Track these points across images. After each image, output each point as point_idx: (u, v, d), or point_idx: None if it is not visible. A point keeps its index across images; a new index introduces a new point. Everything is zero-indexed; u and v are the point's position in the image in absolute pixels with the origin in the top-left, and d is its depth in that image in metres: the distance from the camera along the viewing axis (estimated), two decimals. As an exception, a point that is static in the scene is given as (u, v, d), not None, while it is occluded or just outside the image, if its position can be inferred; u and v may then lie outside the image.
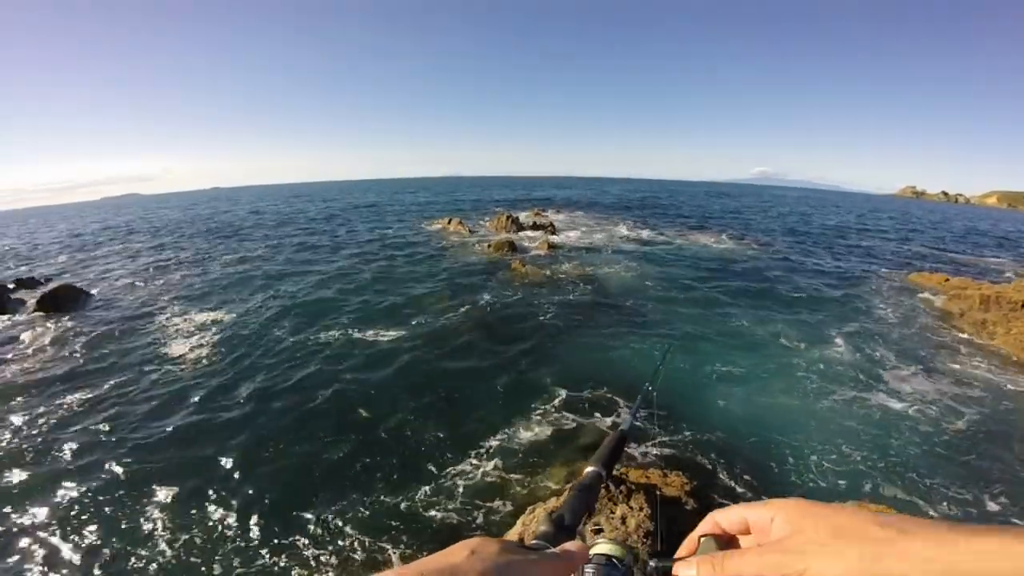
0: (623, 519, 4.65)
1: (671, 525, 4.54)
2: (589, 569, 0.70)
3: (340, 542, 5.70)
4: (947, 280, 17.75)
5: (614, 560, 0.70)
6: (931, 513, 6.09)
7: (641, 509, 4.71)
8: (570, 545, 0.68)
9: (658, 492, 5.15)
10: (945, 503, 6.43)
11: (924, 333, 12.85)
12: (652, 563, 0.67)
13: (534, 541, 0.70)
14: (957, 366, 10.76)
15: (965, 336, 12.68)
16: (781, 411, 8.62)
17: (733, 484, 6.63)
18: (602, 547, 0.72)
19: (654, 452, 7.27)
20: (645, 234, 30.30)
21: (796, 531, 0.55)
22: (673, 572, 0.62)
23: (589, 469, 0.91)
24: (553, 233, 28.68)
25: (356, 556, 5.48)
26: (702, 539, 0.66)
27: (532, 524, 4.79)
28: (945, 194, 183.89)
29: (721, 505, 5.65)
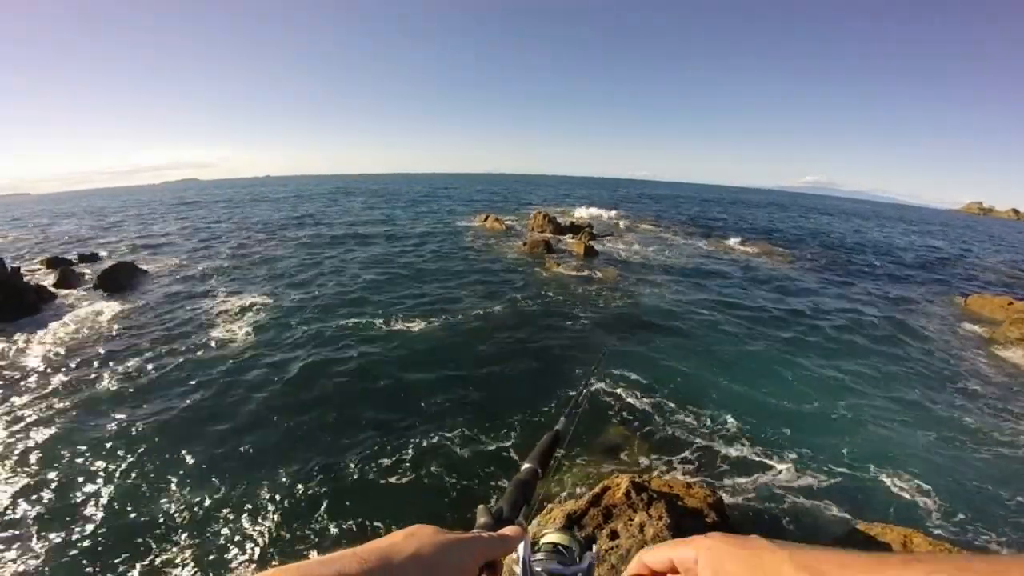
0: (641, 527, 4.59)
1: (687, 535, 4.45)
2: (539, 556, 0.76)
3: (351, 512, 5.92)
4: (1011, 303, 16.59)
5: (560, 548, 0.76)
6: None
7: (660, 518, 4.64)
8: (506, 530, 0.72)
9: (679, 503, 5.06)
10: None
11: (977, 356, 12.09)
12: None
13: (473, 531, 0.72)
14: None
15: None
16: (829, 437, 8.28)
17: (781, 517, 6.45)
18: (551, 536, 0.79)
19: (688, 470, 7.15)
20: (688, 241, 29.63)
21: (716, 573, 0.54)
22: None
23: (526, 466, 0.95)
24: (591, 237, 28.32)
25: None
26: None
27: (548, 524, 4.80)
28: (1016, 211, 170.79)
29: (754, 521, 5.44)
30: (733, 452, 7.50)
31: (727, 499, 5.99)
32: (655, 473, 6.73)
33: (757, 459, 7.38)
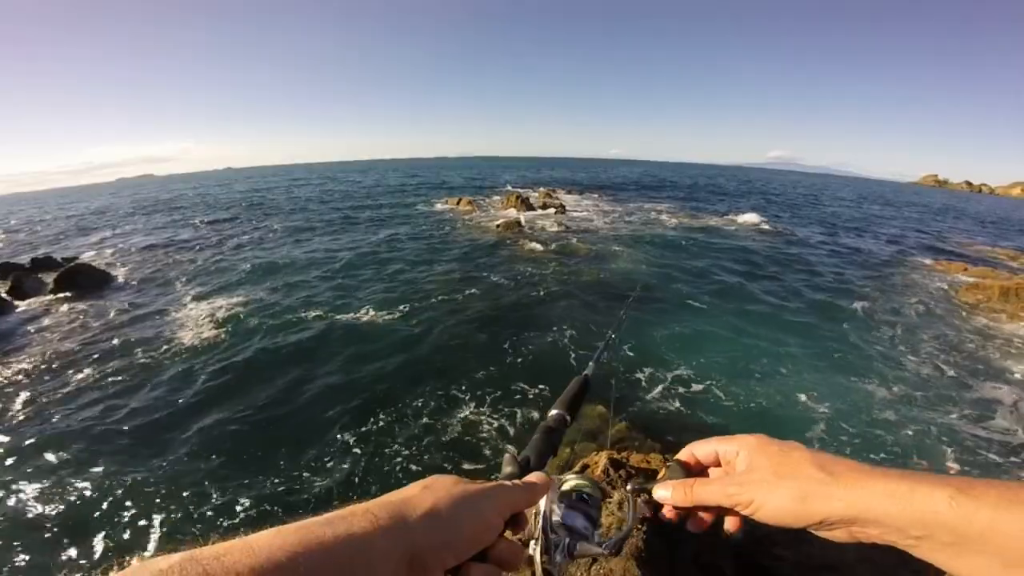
0: (620, 505, 4.55)
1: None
2: (561, 503, 0.72)
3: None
4: (967, 268, 17.31)
5: (584, 494, 0.73)
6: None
7: (639, 495, 4.61)
8: (532, 477, 0.68)
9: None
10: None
11: (944, 318, 12.54)
12: (631, 485, 0.74)
13: (497, 480, 0.67)
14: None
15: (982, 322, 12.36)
16: (789, 390, 8.46)
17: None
18: (572, 482, 0.75)
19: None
20: (656, 215, 29.90)
21: (750, 467, 0.62)
22: (652, 492, 0.71)
23: (554, 412, 0.91)
24: (563, 213, 28.40)
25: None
26: (670, 463, 0.72)
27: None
28: (968, 183, 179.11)
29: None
30: (711, 422, 7.59)
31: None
32: (631, 446, 6.72)
33: (734, 429, 7.48)
